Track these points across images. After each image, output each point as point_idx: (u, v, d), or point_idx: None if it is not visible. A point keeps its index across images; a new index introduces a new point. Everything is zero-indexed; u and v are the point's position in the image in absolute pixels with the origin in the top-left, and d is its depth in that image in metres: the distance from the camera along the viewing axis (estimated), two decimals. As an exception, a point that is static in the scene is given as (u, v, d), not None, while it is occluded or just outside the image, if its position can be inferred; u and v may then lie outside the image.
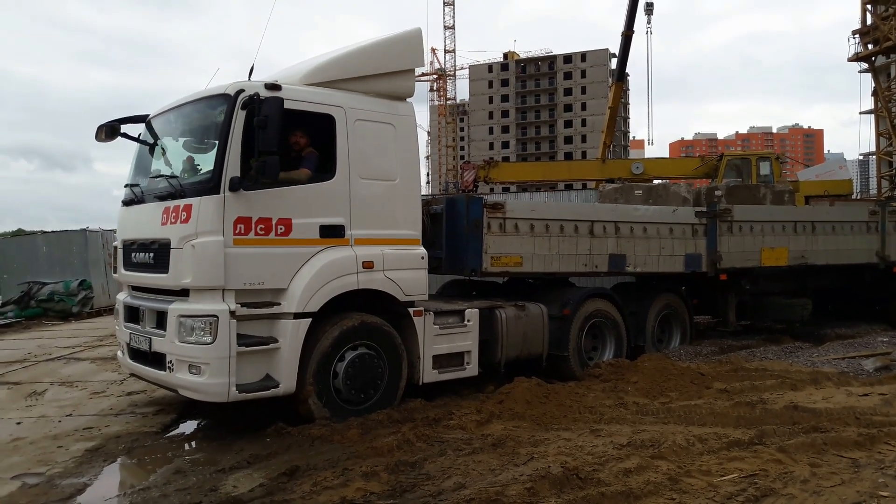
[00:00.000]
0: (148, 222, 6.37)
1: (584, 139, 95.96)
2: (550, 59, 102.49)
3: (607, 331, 8.73)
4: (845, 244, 11.12)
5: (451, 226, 7.83)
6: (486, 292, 8.76)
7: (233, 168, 5.78)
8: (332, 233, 6.31)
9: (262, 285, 5.93)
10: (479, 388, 7.54)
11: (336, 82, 6.62)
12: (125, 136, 6.95)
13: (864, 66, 29.63)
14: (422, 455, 5.16)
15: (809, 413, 6.12)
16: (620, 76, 25.51)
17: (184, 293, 5.92)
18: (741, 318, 10.71)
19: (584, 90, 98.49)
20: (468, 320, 7.30)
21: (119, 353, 7.09)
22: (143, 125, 7.04)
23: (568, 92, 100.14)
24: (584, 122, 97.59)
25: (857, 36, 28.70)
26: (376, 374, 6.45)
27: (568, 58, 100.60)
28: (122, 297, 6.97)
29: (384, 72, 6.86)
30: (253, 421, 6.31)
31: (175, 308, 5.84)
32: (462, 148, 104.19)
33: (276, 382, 5.88)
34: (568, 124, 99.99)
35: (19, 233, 20.51)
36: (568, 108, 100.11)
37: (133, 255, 6.65)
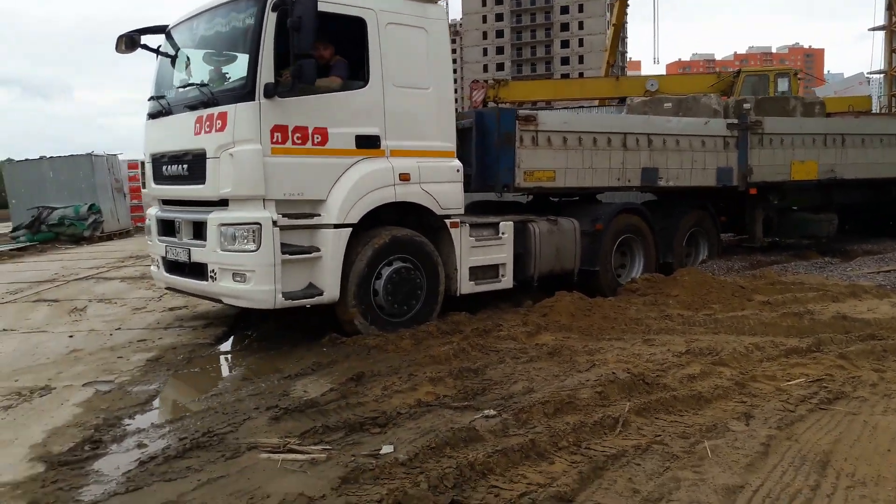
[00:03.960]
0: (179, 134, 6.18)
1: (581, 60, 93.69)
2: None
3: (636, 247, 8.69)
4: (875, 157, 10.98)
5: (480, 141, 7.59)
6: (510, 213, 8.67)
7: (266, 74, 5.57)
8: (368, 143, 6.15)
9: (301, 196, 5.80)
10: (517, 303, 7.55)
11: None
12: (145, 47, 6.70)
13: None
14: (482, 362, 5.21)
15: (861, 322, 6.18)
16: (626, -9, 24.68)
17: (222, 203, 5.81)
18: (766, 235, 10.69)
19: (581, 8, 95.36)
20: (503, 233, 7.25)
21: (153, 267, 7.03)
22: (162, 36, 6.75)
23: (565, 10, 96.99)
24: (580, 42, 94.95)
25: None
26: (415, 284, 6.41)
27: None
28: (154, 211, 6.86)
29: None
30: (303, 334, 6.34)
31: (215, 217, 5.74)
32: (455, 71, 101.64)
33: (319, 290, 5.84)
34: (565, 44, 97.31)
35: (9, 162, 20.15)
36: (565, 27, 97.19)
37: (164, 168, 6.49)
